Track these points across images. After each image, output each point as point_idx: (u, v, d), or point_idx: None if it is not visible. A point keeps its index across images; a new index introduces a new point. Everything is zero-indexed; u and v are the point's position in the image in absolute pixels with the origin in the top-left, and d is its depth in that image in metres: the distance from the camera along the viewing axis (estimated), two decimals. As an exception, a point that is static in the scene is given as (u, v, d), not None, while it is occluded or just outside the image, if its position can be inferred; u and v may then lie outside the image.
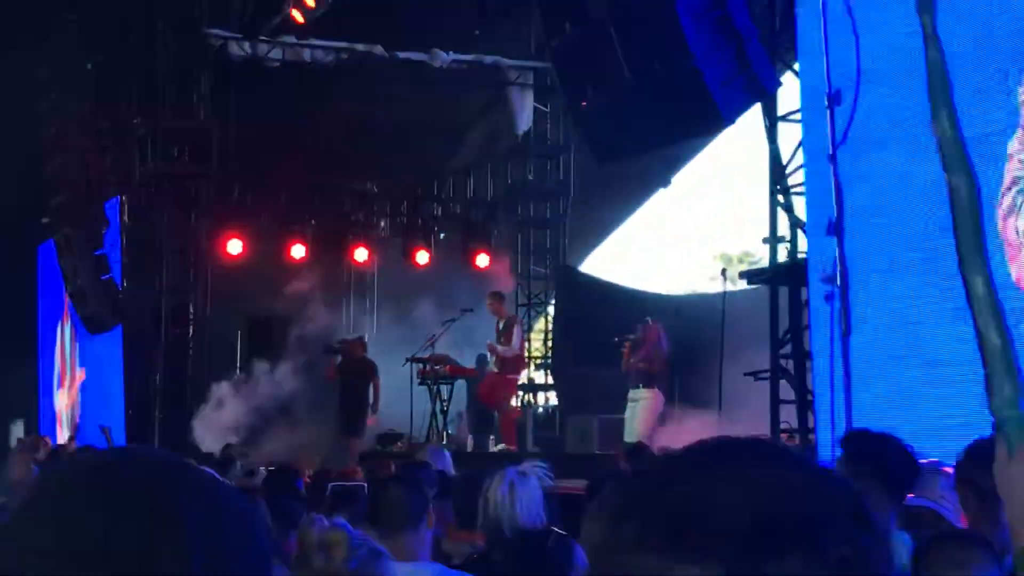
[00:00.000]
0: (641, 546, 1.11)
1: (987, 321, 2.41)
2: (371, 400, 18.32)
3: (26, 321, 24.79)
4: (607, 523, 1.16)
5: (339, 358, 18.93)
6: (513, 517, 5.08)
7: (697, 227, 20.19)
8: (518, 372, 18.09)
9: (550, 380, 21.77)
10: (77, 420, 22.71)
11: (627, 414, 14.97)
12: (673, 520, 1.11)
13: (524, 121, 21.54)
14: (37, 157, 20.18)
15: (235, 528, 1.27)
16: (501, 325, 17.47)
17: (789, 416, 11.63)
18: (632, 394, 14.89)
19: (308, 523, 3.22)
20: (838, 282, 10.00)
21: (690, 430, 13.19)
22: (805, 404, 10.97)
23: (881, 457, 4.45)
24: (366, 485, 6.64)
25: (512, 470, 5.28)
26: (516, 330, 17.58)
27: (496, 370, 17.53)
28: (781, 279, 11.55)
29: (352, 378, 18.54)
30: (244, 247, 20.02)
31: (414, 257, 21.60)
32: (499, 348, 17.24)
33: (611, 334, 15.89)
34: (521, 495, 5.13)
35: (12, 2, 19.97)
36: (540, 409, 21.36)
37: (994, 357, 2.39)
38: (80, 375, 22.74)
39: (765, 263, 12.47)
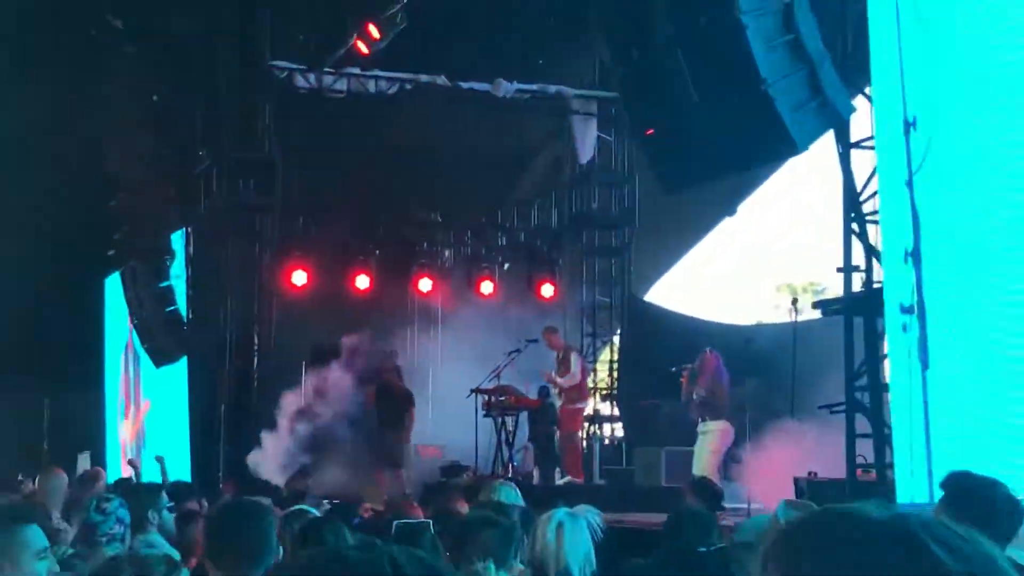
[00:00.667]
0: None
1: None
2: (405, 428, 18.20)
3: (92, 353, 24.89)
4: None
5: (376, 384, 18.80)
6: (559, 559, 4.91)
7: (762, 256, 19.92)
8: (581, 402, 17.86)
9: (616, 411, 21.51)
10: (140, 451, 22.74)
11: (696, 447, 14.73)
12: None
13: (588, 149, 21.37)
14: (102, 190, 20.27)
15: None
16: (559, 356, 17.30)
17: (866, 451, 11.33)
18: (700, 427, 14.68)
19: None
20: (916, 312, 9.71)
21: (766, 463, 12.94)
22: (883, 438, 10.66)
23: (989, 504, 4.20)
24: (431, 522, 6.43)
25: (563, 511, 5.11)
26: (574, 358, 17.42)
27: (559, 402, 17.36)
28: (856, 309, 11.26)
29: (387, 405, 18.42)
30: (308, 278, 19.99)
31: (478, 287, 21.49)
32: (558, 379, 17.04)
33: (678, 364, 15.68)
34: (569, 538, 4.96)
35: (76, 37, 20.11)
36: (606, 441, 21.10)
37: None
38: (145, 406, 22.77)
39: (832, 292, 12.20)
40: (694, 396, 14.58)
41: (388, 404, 18.47)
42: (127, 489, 7.92)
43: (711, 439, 14.42)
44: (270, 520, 4.52)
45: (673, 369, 15.40)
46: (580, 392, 17.67)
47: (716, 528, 6.26)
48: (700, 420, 14.63)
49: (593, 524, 5.12)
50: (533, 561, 5.06)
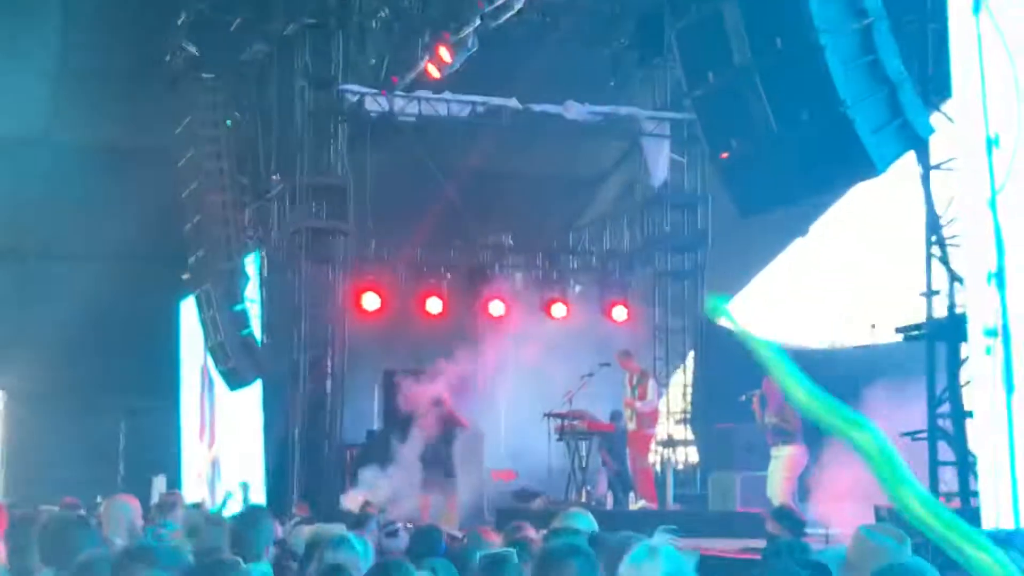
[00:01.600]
0: None
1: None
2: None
3: (168, 376, 25.10)
4: None
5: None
6: None
7: (836, 278, 19.71)
8: (653, 427, 17.71)
9: (690, 435, 21.33)
10: (216, 476, 22.87)
11: (769, 471, 14.55)
12: None
13: (660, 172, 21.26)
14: (178, 214, 20.46)
15: None
16: (635, 380, 17.11)
17: (950, 479, 11.12)
18: (774, 451, 14.49)
19: None
20: (1000, 335, 9.50)
21: (844, 489, 12.72)
22: (966, 465, 10.45)
23: None
24: (515, 552, 6.34)
25: (645, 544, 5.00)
26: (651, 384, 17.25)
27: (633, 427, 17.19)
28: (939, 334, 11.06)
29: (434, 429, 18.41)
30: (381, 301, 20.03)
31: (550, 310, 21.44)
32: (637, 403, 16.89)
33: (753, 389, 15.48)
34: (647, 571, 4.86)
35: (152, 62, 20.34)
36: (680, 466, 20.94)
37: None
38: (220, 430, 22.90)
39: (907, 316, 12.00)
40: (766, 421, 14.43)
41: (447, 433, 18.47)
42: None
43: (784, 464, 14.23)
44: None
45: (743, 397, 15.21)
46: (653, 418, 17.52)
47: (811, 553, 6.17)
48: (773, 445, 14.46)
49: (678, 552, 5.00)
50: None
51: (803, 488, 15.51)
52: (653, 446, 19.23)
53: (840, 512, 12.73)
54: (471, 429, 19.11)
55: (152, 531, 7.06)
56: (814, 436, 15.66)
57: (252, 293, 20.49)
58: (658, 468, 19.65)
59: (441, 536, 8.69)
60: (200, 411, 24.20)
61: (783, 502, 13.78)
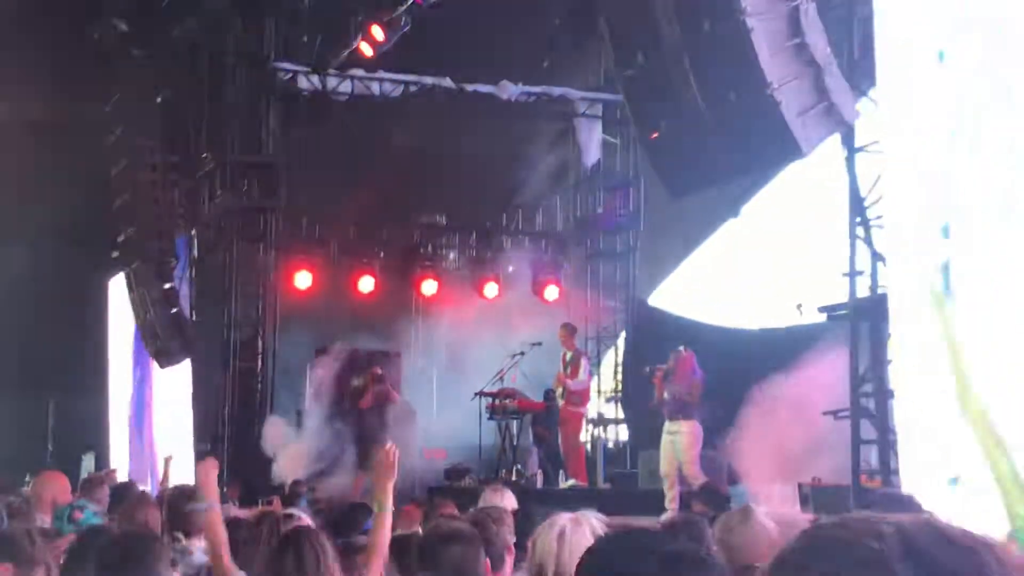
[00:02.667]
0: None
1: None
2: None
3: (97, 355, 24.89)
4: None
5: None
6: (560, 565, 4.87)
7: (767, 259, 19.87)
8: (583, 406, 17.74)
9: (621, 414, 21.47)
10: (148, 453, 22.73)
11: (663, 447, 14.53)
12: None
13: (593, 153, 21.34)
14: (107, 192, 20.28)
15: None
16: (568, 357, 17.13)
17: (870, 456, 11.31)
18: (669, 426, 14.37)
19: None
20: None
21: (770, 468, 12.90)
22: (887, 444, 10.62)
23: None
24: (420, 531, 6.44)
25: (566, 516, 5.06)
26: (584, 363, 17.26)
27: (562, 404, 17.20)
28: (862, 314, 11.22)
29: (366, 407, 18.40)
30: (313, 280, 19.98)
31: (483, 289, 21.47)
32: (568, 381, 16.91)
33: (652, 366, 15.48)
34: (572, 545, 4.92)
35: (80, 38, 20.10)
36: (611, 444, 21.07)
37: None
38: (150, 407, 22.75)
39: (834, 297, 12.14)
40: (665, 395, 14.36)
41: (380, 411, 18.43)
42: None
43: (686, 440, 14.17)
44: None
45: (647, 369, 15.22)
46: (583, 397, 17.55)
47: (707, 533, 6.25)
48: (670, 419, 14.39)
49: (596, 529, 5.06)
50: (531, 568, 5.00)
51: (731, 469, 15.70)
52: (584, 424, 19.30)
53: (768, 491, 12.92)
54: (403, 407, 19.13)
55: (68, 510, 7.01)
56: (733, 417, 15.89)
57: (182, 271, 20.36)
58: (589, 447, 19.77)
59: (370, 513, 8.72)
60: (130, 389, 24.03)
61: (695, 476, 13.91)
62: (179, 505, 6.73)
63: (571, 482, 16.95)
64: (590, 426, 20.12)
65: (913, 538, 0.95)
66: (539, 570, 4.93)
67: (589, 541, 4.94)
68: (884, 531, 0.96)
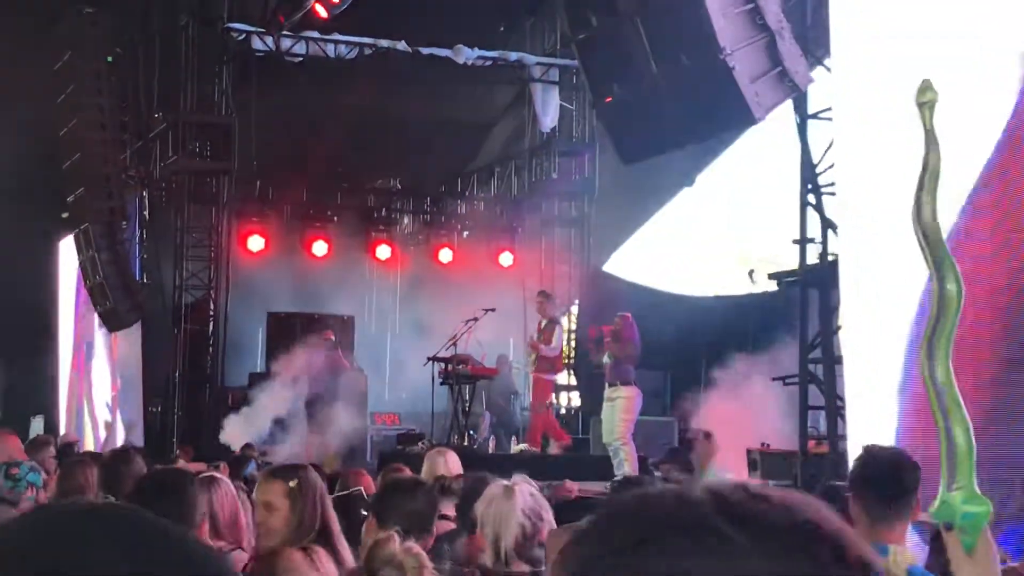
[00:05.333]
0: None
1: (957, 421, 2.53)
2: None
3: (46, 317, 24.67)
4: None
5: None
6: (495, 530, 4.89)
7: (721, 227, 19.92)
8: (555, 373, 17.63)
9: (573, 381, 21.49)
10: (96, 416, 22.56)
11: (604, 413, 14.52)
12: None
13: (549, 118, 21.27)
14: (56, 152, 20.00)
15: None
16: (543, 324, 16.98)
17: (818, 423, 11.37)
18: (609, 392, 14.36)
19: (386, 539, 2.98)
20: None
21: (720, 434, 12.95)
22: (835, 410, 10.66)
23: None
24: (361, 490, 6.44)
25: (497, 485, 5.09)
26: (557, 331, 17.09)
27: (532, 370, 17.09)
28: (812, 281, 11.24)
29: (318, 372, 18.32)
30: (265, 243, 19.87)
31: (437, 255, 21.42)
32: (541, 346, 16.77)
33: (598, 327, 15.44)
34: (500, 509, 4.94)
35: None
36: (563, 410, 21.10)
37: (962, 457, 2.49)
38: (99, 371, 22.57)
39: (789, 265, 12.14)
40: (605, 359, 14.34)
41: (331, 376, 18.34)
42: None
43: (623, 405, 14.14)
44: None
45: (590, 328, 15.24)
46: (555, 364, 17.40)
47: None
48: (610, 385, 14.38)
49: (527, 494, 5.07)
50: (480, 535, 5.04)
51: (682, 435, 15.78)
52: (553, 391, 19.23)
53: (719, 457, 12.98)
54: (355, 373, 19.07)
55: (4, 467, 6.96)
56: (687, 383, 15.92)
57: (133, 233, 20.16)
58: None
59: (322, 477, 8.67)
60: (80, 352, 23.84)
61: (625, 442, 13.92)
62: (114, 467, 6.71)
63: (523, 446, 16.93)
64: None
65: (727, 497, 0.92)
66: (480, 533, 4.95)
67: (519, 506, 4.95)
68: (701, 498, 0.92)
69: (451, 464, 7.95)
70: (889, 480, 4.41)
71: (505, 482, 5.06)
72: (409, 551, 2.98)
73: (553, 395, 19.17)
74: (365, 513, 5.86)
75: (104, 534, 1.03)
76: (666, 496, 0.94)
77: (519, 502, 4.90)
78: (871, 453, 4.89)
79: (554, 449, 16.81)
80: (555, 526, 5.17)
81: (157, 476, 5.30)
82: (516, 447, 17.04)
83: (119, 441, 18.88)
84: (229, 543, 5.52)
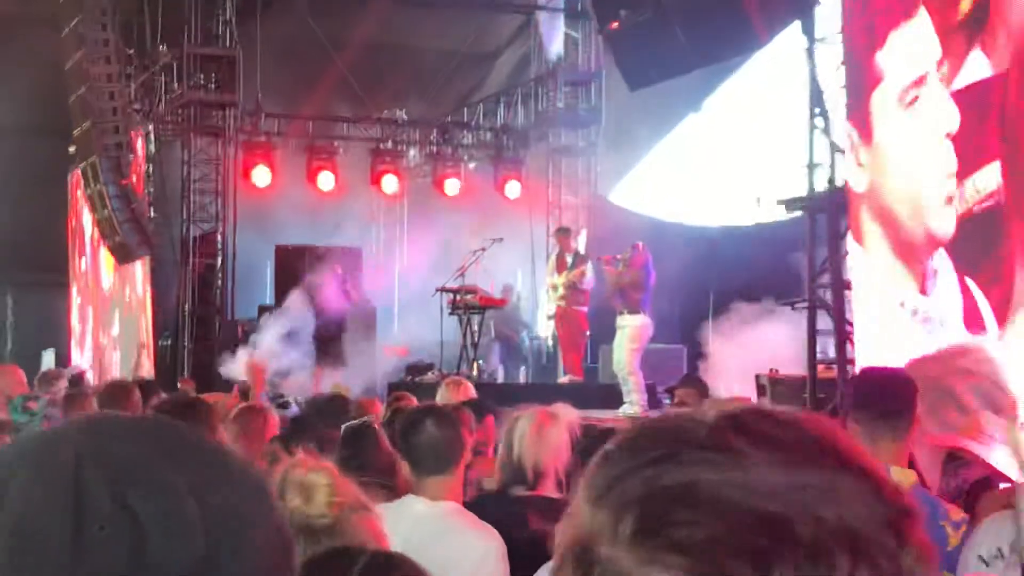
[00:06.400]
0: (616, 538, 0.93)
1: None
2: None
3: (57, 250, 24.69)
4: (584, 506, 0.97)
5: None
6: (538, 458, 4.89)
7: (729, 153, 19.80)
8: (587, 305, 17.57)
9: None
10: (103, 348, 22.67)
11: (615, 341, 14.57)
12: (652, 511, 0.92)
13: (555, 47, 21.13)
14: (62, 86, 19.94)
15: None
16: (570, 260, 16.85)
17: (827, 348, 11.37)
18: (618, 320, 14.43)
19: (295, 462, 2.93)
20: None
21: (730, 362, 12.98)
22: (844, 335, 10.66)
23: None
24: (373, 419, 6.46)
25: (543, 411, 5.07)
26: (589, 265, 17.02)
27: (564, 305, 16.94)
28: (819, 206, 11.20)
29: (326, 304, 18.36)
30: (272, 176, 19.84)
31: (443, 186, 21.38)
32: (578, 283, 16.63)
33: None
34: (550, 438, 4.94)
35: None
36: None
37: None
38: (109, 304, 22.65)
39: (799, 191, 12.08)
40: (622, 281, 14.34)
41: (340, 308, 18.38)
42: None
43: (630, 334, 14.19)
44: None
45: (598, 257, 15.26)
46: (587, 296, 17.33)
47: None
48: (619, 314, 14.42)
49: (572, 423, 5.09)
50: (509, 462, 5.02)
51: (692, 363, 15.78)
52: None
53: (729, 385, 12.99)
54: (364, 304, 19.10)
55: (21, 400, 7.01)
56: (694, 313, 15.93)
57: (140, 167, 20.14)
58: (550, 343, 19.84)
59: (346, 402, 8.73)
60: (90, 285, 23.91)
61: (632, 372, 13.96)
62: (112, 398, 6.79)
63: (568, 377, 16.92)
64: (550, 322, 20.14)
65: (738, 415, 0.96)
66: (516, 462, 4.93)
67: (563, 435, 4.96)
68: (714, 417, 0.97)
69: (467, 394, 8.02)
70: (883, 398, 4.40)
71: (549, 409, 5.07)
72: (319, 469, 2.91)
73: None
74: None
75: (159, 445, 1.04)
76: (682, 417, 0.98)
77: (564, 428, 4.93)
78: (864, 372, 4.91)
79: (563, 379, 16.89)
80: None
81: (176, 401, 5.37)
82: (563, 379, 17.01)
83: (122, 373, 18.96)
84: None
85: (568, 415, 5.07)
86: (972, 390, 7.42)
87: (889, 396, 4.40)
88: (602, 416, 11.93)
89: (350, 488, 2.90)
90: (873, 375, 4.79)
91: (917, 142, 8.71)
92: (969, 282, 8.24)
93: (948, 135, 8.33)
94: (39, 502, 0.97)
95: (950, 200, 8.32)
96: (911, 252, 8.85)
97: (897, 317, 9.07)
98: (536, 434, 4.94)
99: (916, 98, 8.58)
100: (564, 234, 17.23)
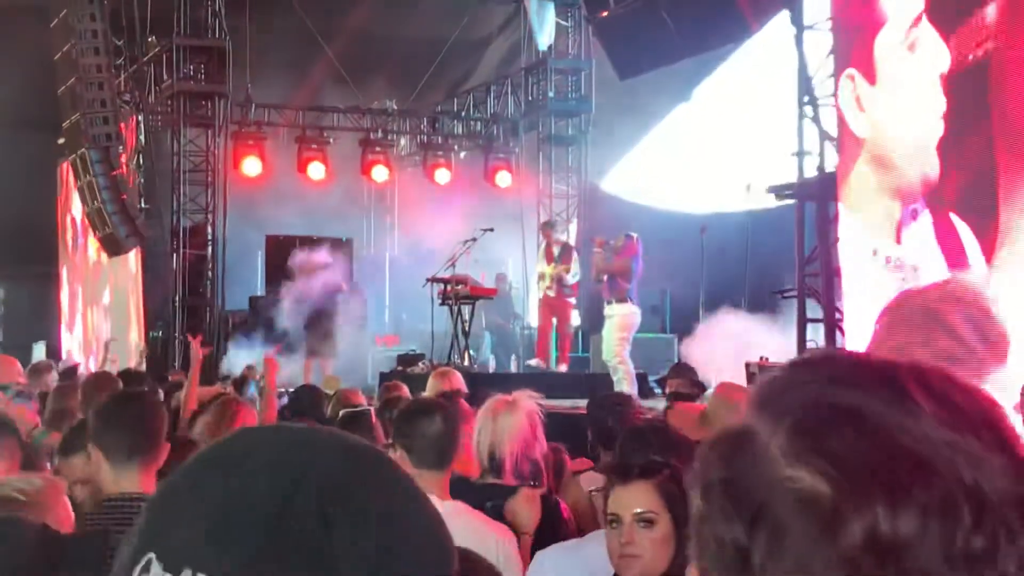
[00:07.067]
0: (775, 431, 0.99)
1: None
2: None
3: (47, 241, 24.65)
4: (750, 410, 1.03)
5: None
6: (493, 450, 4.92)
7: (718, 142, 19.81)
8: (575, 295, 17.60)
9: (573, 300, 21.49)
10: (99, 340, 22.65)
11: (604, 330, 14.63)
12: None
13: (546, 36, 21.11)
14: (52, 76, 19.90)
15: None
16: (557, 252, 16.90)
17: (817, 335, 11.40)
18: (606, 309, 14.50)
19: None
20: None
21: (719, 349, 13.00)
22: (833, 322, 10.69)
23: None
24: (372, 410, 6.47)
25: (501, 399, 5.10)
26: (574, 255, 17.06)
27: (552, 294, 17.00)
28: (809, 194, 11.22)
29: (317, 294, 18.35)
30: (262, 166, 19.81)
31: (434, 175, 21.36)
32: (566, 275, 16.72)
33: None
34: (505, 425, 4.96)
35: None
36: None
37: None
38: (102, 295, 22.63)
39: (788, 179, 12.10)
40: (603, 275, 14.39)
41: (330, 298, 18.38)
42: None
43: (619, 322, 14.24)
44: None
45: (589, 239, 15.29)
46: (575, 287, 17.39)
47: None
48: (607, 303, 14.47)
49: (532, 412, 5.10)
50: (479, 451, 5.05)
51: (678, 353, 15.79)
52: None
53: (717, 374, 13.00)
54: (354, 294, 19.10)
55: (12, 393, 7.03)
56: (685, 301, 15.94)
57: (130, 158, 20.10)
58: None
59: (318, 394, 8.74)
60: (81, 278, 23.88)
61: (621, 361, 13.99)
62: (93, 391, 6.82)
63: (535, 361, 16.94)
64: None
65: (924, 371, 1.02)
66: (483, 450, 4.97)
67: (522, 423, 4.98)
68: (900, 362, 1.03)
69: (455, 384, 8.01)
70: None
71: (508, 396, 5.09)
72: None
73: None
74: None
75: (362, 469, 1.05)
76: (867, 355, 1.05)
77: (523, 416, 4.94)
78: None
79: (531, 362, 16.94)
80: (545, 446, 5.19)
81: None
82: (530, 361, 17.04)
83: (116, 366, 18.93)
84: None
85: (527, 403, 5.08)
86: (964, 317, 7.46)
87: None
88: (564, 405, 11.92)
89: None
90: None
91: (916, 83, 8.70)
92: (955, 219, 8.26)
93: (941, 75, 8.35)
94: (262, 482, 0.99)
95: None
96: (897, 195, 8.85)
97: (871, 269, 9.09)
98: (491, 422, 4.97)
99: (916, 40, 8.59)
100: (549, 227, 17.32)
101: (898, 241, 8.73)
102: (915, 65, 8.71)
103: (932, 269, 8.31)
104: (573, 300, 17.32)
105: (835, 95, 10.12)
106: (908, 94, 8.85)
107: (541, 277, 16.93)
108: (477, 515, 4.40)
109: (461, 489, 4.68)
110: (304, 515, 0.98)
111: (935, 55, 8.44)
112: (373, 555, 0.99)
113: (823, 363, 1.03)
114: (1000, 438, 0.98)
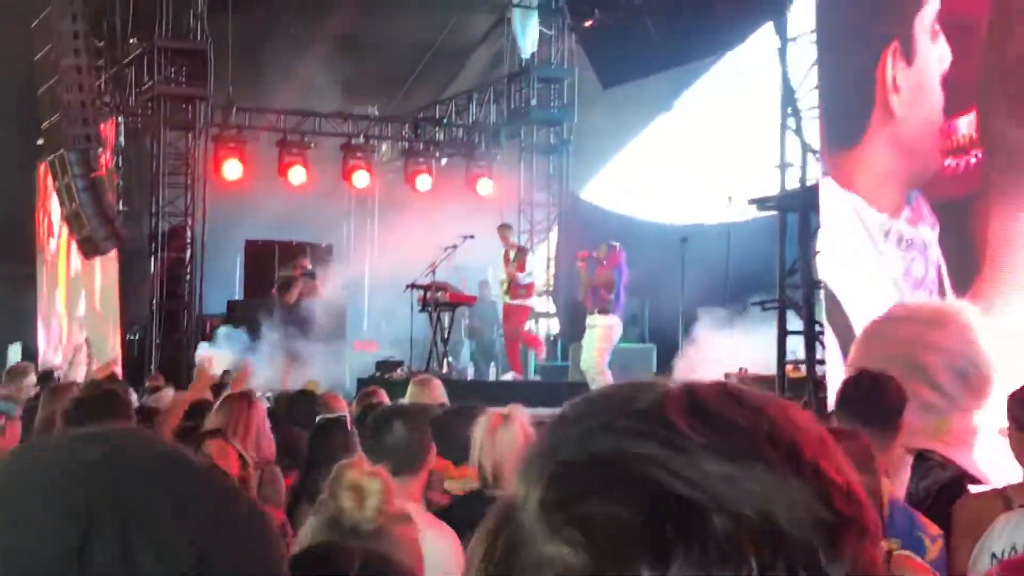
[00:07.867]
0: (527, 503, 0.88)
1: None
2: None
3: (25, 243, 24.52)
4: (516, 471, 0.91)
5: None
6: (495, 463, 4.91)
7: (700, 153, 19.84)
8: (529, 298, 17.71)
9: (552, 308, 21.52)
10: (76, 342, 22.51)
11: (585, 340, 14.69)
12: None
13: (529, 44, 21.11)
14: (31, 78, 19.80)
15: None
16: (512, 255, 17.03)
17: (796, 347, 11.38)
18: (588, 320, 14.58)
19: (348, 464, 2.98)
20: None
21: (700, 361, 13.00)
22: (813, 335, 10.68)
23: None
24: (347, 415, 6.43)
25: (496, 414, 5.10)
26: (528, 258, 17.23)
27: (509, 299, 17.13)
28: (791, 205, 11.22)
29: (296, 299, 18.30)
30: (243, 170, 19.74)
31: (415, 182, 21.32)
32: (519, 275, 16.82)
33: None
34: (505, 439, 4.95)
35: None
36: (541, 338, 21.12)
37: None
38: (79, 298, 22.51)
39: (770, 191, 12.10)
40: (588, 284, 14.47)
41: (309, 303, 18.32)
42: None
43: (600, 334, 14.31)
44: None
45: (575, 255, 15.36)
46: (529, 289, 17.51)
47: None
48: (589, 313, 14.56)
49: (524, 424, 5.10)
50: (473, 463, 5.05)
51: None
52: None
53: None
54: (333, 300, 19.03)
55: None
56: (665, 311, 15.93)
57: (109, 160, 20.00)
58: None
59: (312, 399, 8.68)
60: (58, 279, 23.76)
61: (600, 372, 14.02)
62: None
63: (510, 375, 16.99)
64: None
65: (695, 390, 0.89)
66: (479, 464, 4.97)
67: (519, 436, 4.97)
68: (670, 388, 0.90)
69: (434, 392, 7.96)
70: (870, 402, 4.37)
71: (502, 410, 5.08)
72: (373, 475, 2.98)
73: (531, 321, 19.24)
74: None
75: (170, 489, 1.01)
76: (639, 385, 0.92)
77: (518, 429, 4.94)
78: (853, 376, 4.87)
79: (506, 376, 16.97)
80: None
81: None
82: (505, 375, 17.09)
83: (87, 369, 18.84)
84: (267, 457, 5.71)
85: (520, 415, 5.10)
86: (946, 367, 7.43)
87: (876, 401, 4.37)
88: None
89: (396, 497, 2.97)
90: (860, 379, 4.72)
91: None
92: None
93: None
94: (46, 530, 0.94)
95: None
96: (910, 178, 8.72)
97: (880, 249, 9.00)
98: (490, 437, 4.98)
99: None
100: (504, 229, 17.43)
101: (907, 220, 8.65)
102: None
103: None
104: (529, 303, 17.42)
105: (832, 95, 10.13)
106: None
107: (503, 283, 17.10)
108: (425, 518, 4.37)
109: (475, 503, 4.67)
110: (105, 552, 0.93)
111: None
112: (191, 570, 0.94)
113: (585, 407, 0.91)
114: (793, 453, 0.86)
